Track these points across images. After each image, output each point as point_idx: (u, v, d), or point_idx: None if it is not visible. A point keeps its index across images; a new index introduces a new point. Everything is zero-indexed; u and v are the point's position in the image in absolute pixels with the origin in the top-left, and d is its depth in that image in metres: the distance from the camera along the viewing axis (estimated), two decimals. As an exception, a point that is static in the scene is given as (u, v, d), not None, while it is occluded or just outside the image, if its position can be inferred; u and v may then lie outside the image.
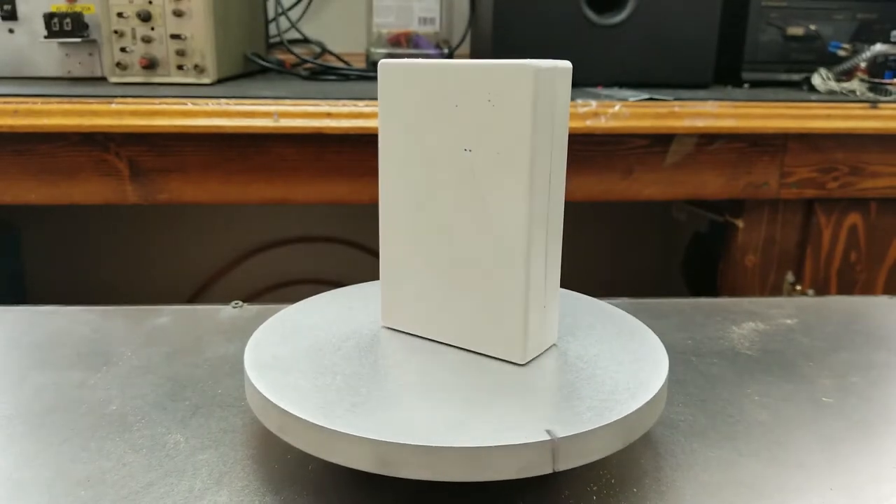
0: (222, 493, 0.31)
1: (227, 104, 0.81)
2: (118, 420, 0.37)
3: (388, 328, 0.38)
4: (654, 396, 0.32)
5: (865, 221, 0.95)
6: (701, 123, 0.85)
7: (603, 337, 0.38)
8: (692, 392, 0.41)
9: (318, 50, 1.21)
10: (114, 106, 0.80)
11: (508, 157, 0.32)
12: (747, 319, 0.51)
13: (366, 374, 0.33)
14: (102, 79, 0.97)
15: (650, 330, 0.39)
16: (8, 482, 0.32)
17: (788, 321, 0.51)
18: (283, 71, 1.08)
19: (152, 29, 0.91)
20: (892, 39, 1.01)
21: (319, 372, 0.33)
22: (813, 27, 1.03)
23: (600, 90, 0.95)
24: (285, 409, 0.30)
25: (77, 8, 0.96)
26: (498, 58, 0.32)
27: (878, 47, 0.97)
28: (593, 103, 0.83)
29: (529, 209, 0.32)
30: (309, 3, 1.31)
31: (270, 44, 1.23)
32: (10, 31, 0.97)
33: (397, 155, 0.36)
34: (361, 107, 0.81)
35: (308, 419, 0.29)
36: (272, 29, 1.22)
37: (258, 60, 1.05)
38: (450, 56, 1.16)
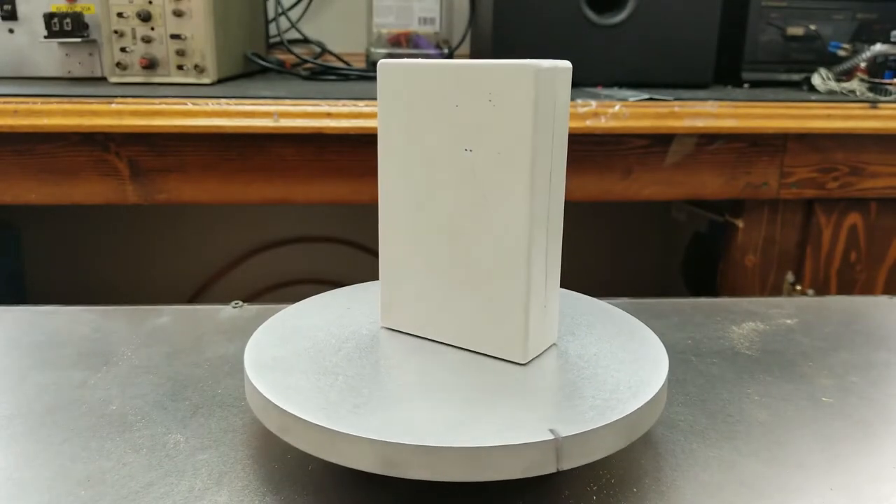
0: (222, 493, 0.31)
1: (227, 104, 0.81)
2: (118, 420, 0.37)
3: (388, 328, 0.38)
4: (656, 394, 0.32)
5: (865, 221, 0.95)
6: (701, 123, 0.85)
7: (602, 336, 0.38)
8: (692, 392, 0.41)
9: (318, 50, 1.21)
10: (114, 106, 0.80)
11: (509, 157, 0.32)
12: (747, 319, 0.51)
13: (367, 374, 0.33)
14: (102, 79, 0.97)
15: (648, 328, 0.39)
16: (8, 482, 0.32)
17: (788, 321, 0.51)
18: (283, 71, 1.08)
19: (152, 29, 0.91)
20: (892, 39, 1.01)
21: (321, 373, 0.33)
22: (813, 27, 1.04)
23: (600, 90, 0.95)
24: (288, 410, 0.30)
25: (77, 8, 0.96)
26: (498, 58, 0.32)
27: (878, 47, 0.97)
28: (593, 103, 0.83)
29: (531, 208, 0.32)
30: (309, 3, 1.31)
31: (270, 44, 1.23)
32: (10, 31, 0.97)
33: (397, 155, 0.36)
34: (361, 107, 0.81)
35: (311, 420, 0.29)
36: (272, 29, 1.22)
37: (258, 60, 1.05)
38: (450, 56, 1.16)
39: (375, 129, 0.33)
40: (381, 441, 0.28)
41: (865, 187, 0.93)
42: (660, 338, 0.37)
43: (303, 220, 1.41)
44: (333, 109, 0.81)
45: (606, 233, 1.46)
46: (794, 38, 1.04)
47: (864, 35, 1.04)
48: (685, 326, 0.49)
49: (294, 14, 1.28)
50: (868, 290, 0.97)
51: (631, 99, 0.85)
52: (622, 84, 0.99)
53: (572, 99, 0.84)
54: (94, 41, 0.98)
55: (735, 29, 1.04)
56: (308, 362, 0.34)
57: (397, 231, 0.37)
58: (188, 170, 0.85)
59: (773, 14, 1.03)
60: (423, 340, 0.37)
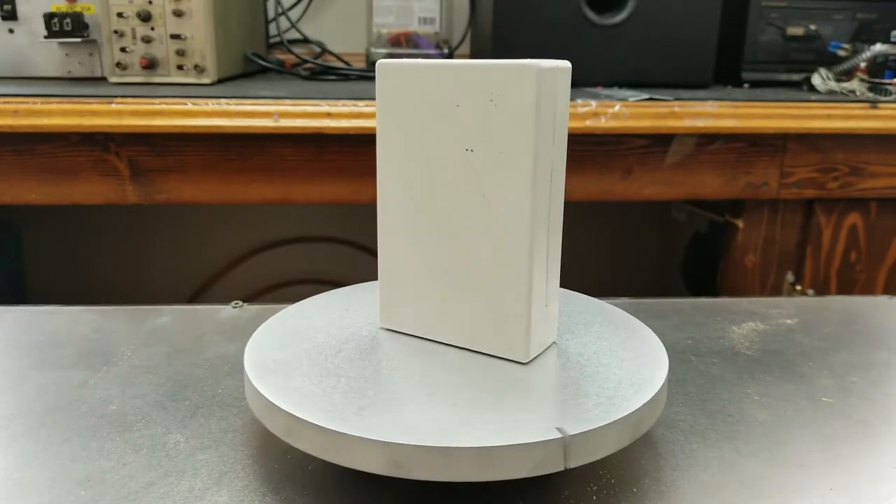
0: (222, 493, 0.31)
1: (227, 104, 0.81)
2: (118, 420, 0.37)
3: (387, 329, 0.38)
4: (659, 391, 0.32)
5: (865, 221, 0.95)
6: (701, 123, 0.85)
7: (601, 334, 0.38)
8: (692, 392, 0.41)
9: (318, 50, 1.21)
10: (114, 106, 0.80)
11: (511, 157, 0.32)
12: (747, 319, 0.51)
13: (369, 376, 0.33)
14: (102, 79, 0.97)
15: (645, 326, 0.39)
16: (8, 482, 0.32)
17: (788, 321, 0.51)
18: (283, 71, 1.08)
19: (152, 29, 0.91)
20: (892, 39, 1.01)
21: (323, 375, 0.33)
22: (813, 27, 1.04)
23: (600, 90, 0.95)
24: (293, 413, 0.30)
25: (77, 8, 0.96)
26: (498, 58, 0.32)
27: (878, 47, 0.97)
28: (593, 103, 0.83)
29: (532, 208, 0.32)
30: (309, 3, 1.31)
31: (270, 44, 1.23)
32: (10, 31, 0.97)
33: (396, 155, 0.36)
34: (361, 107, 0.81)
35: (318, 423, 0.29)
36: (272, 29, 1.22)
37: (258, 60, 1.05)
38: (450, 56, 1.16)
39: (375, 129, 0.33)
40: (389, 442, 0.28)
41: (865, 187, 0.93)
42: (660, 338, 0.37)
43: (303, 220, 1.41)
44: (333, 109, 0.81)
45: (606, 233, 1.46)
46: (794, 38, 1.04)
47: (864, 35, 1.04)
48: (685, 326, 0.49)
49: (294, 14, 1.28)
50: (868, 290, 0.97)
51: (631, 99, 0.85)
52: (622, 84, 0.99)
53: (572, 99, 0.84)
54: (94, 41, 0.98)
55: (735, 29, 1.04)
56: (309, 364, 0.34)
57: (396, 232, 0.37)
58: (188, 170, 0.85)
59: (773, 14, 1.03)
60: (422, 341, 0.37)
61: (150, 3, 0.90)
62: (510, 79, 0.31)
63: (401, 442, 0.28)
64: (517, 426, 0.29)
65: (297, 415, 0.30)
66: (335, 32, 1.32)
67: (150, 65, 0.91)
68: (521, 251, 0.33)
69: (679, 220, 1.26)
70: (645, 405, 0.31)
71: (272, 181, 0.86)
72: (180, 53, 0.91)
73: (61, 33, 0.95)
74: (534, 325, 0.34)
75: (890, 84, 0.94)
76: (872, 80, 0.96)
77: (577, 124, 0.83)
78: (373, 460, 0.28)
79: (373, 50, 1.14)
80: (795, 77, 1.05)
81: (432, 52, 1.13)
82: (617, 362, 0.35)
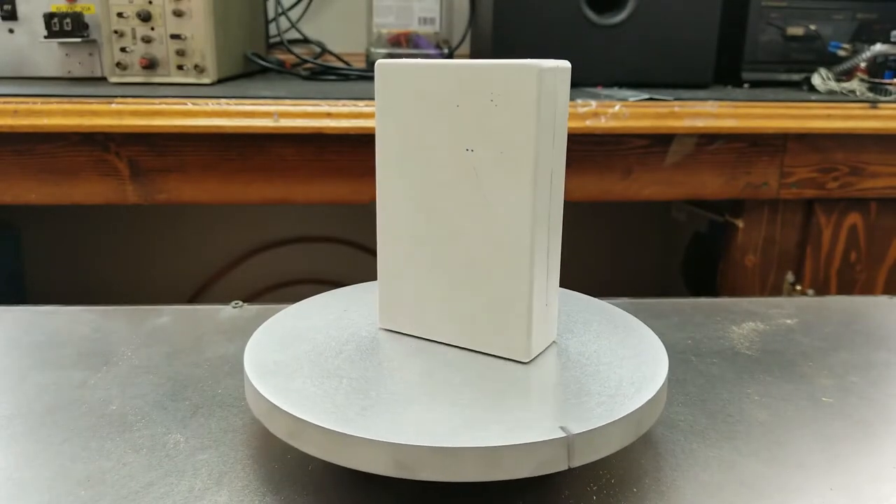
0: (222, 493, 0.31)
1: (227, 104, 0.81)
2: (118, 420, 0.37)
3: (386, 330, 0.38)
4: (660, 390, 0.32)
5: (865, 221, 0.95)
6: (701, 123, 0.85)
7: (600, 333, 0.38)
8: (692, 392, 0.41)
9: (318, 50, 1.21)
10: (114, 106, 0.80)
11: (512, 156, 0.32)
12: (747, 319, 0.51)
13: (371, 377, 0.33)
14: (102, 79, 0.97)
15: (643, 324, 0.39)
16: (8, 482, 0.32)
17: (788, 321, 0.51)
18: (283, 71, 1.08)
19: (152, 29, 0.91)
20: (892, 39, 1.01)
21: (324, 376, 0.33)
22: (813, 27, 1.04)
23: (600, 90, 0.95)
24: (296, 415, 0.30)
25: (77, 8, 0.96)
26: (498, 58, 0.32)
27: (878, 47, 0.97)
28: (593, 103, 0.83)
29: (533, 207, 0.32)
30: (309, 3, 1.31)
31: (270, 44, 1.23)
32: (10, 31, 0.97)
33: (395, 156, 0.35)
34: (361, 107, 0.81)
35: (321, 424, 0.29)
36: (272, 29, 1.22)
37: (258, 60, 1.05)
38: (450, 56, 1.16)
39: (375, 129, 0.33)
40: (395, 443, 0.28)
41: (865, 187, 0.93)
42: (660, 338, 0.37)
43: (303, 220, 1.41)
44: (333, 109, 0.81)
45: (606, 233, 1.46)
46: (794, 38, 1.04)
47: (864, 35, 1.04)
48: (685, 326, 0.49)
49: (294, 14, 1.28)
50: (868, 290, 0.97)
51: (631, 99, 0.85)
52: (622, 84, 0.99)
53: (572, 99, 0.84)
54: (94, 41, 0.98)
55: (735, 29, 1.04)
56: (310, 366, 0.34)
57: (396, 233, 0.37)
58: (188, 170, 0.85)
59: (773, 14, 1.03)
60: (422, 341, 0.37)
61: (150, 3, 0.90)
62: (511, 79, 0.31)
63: (406, 443, 0.28)
64: (521, 426, 0.29)
65: (301, 417, 0.30)
66: (335, 32, 1.32)
67: (150, 65, 0.91)
68: (522, 251, 0.33)
69: (679, 220, 1.26)
70: (647, 403, 0.31)
71: (272, 181, 0.86)
72: (180, 53, 0.91)
73: (61, 33, 0.95)
74: (535, 325, 0.34)
75: (890, 84, 0.94)
76: (872, 80, 0.96)
77: (577, 124, 0.83)
78: (378, 461, 0.28)
79: (373, 50, 1.14)
80: (795, 77, 1.05)
81: (432, 52, 1.13)
82: (617, 361, 0.35)
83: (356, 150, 0.86)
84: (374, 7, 1.12)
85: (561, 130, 0.33)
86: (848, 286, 0.97)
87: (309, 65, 1.10)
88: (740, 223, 0.94)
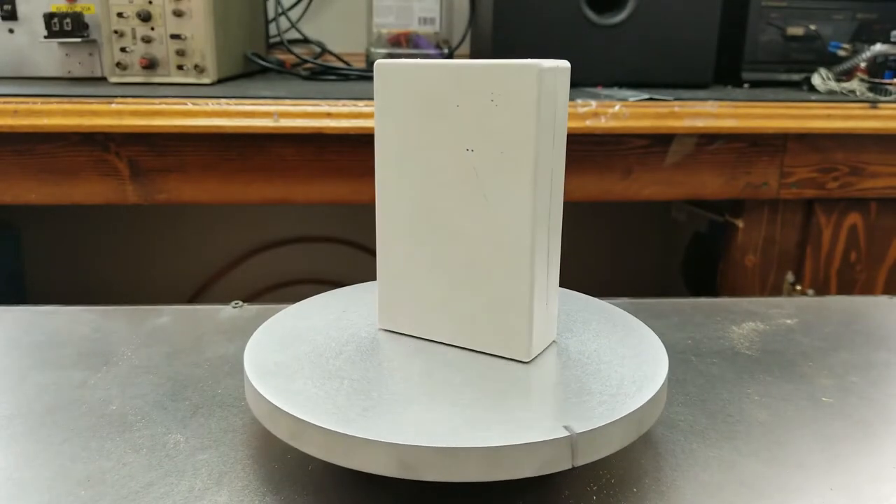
0: (222, 493, 0.31)
1: (227, 104, 0.81)
2: (118, 420, 0.37)
3: (386, 330, 0.38)
4: (661, 388, 0.32)
5: (865, 221, 0.95)
6: (701, 123, 0.85)
7: (600, 332, 0.38)
8: (692, 392, 0.41)
9: (318, 50, 1.21)
10: (114, 106, 0.80)
11: (513, 156, 0.32)
12: (747, 319, 0.51)
13: (372, 377, 0.33)
14: (102, 79, 0.97)
15: (642, 323, 0.39)
16: (8, 482, 0.32)
17: (788, 321, 0.51)
18: (283, 71, 1.08)
19: (152, 29, 0.91)
20: (892, 39, 1.01)
21: (325, 377, 0.33)
22: (813, 27, 1.04)
23: (600, 90, 0.95)
24: (298, 416, 0.30)
25: (77, 8, 0.96)
26: (498, 58, 0.32)
27: (878, 47, 0.97)
28: (593, 103, 0.83)
29: (533, 206, 0.32)
30: (309, 3, 1.31)
31: (270, 44, 1.23)
32: (10, 31, 0.97)
33: (395, 156, 0.35)
34: (361, 107, 0.81)
35: (324, 426, 0.29)
36: (272, 29, 1.22)
37: (258, 60, 1.05)
38: (450, 56, 1.16)
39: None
40: (398, 444, 0.28)
41: (865, 187, 0.93)
42: (660, 338, 0.38)
43: (303, 220, 1.41)
44: (333, 109, 0.81)
45: (606, 233, 1.46)
46: (794, 38, 1.04)
47: (864, 35, 1.04)
48: (685, 326, 0.49)
49: (294, 14, 1.28)
50: (868, 290, 0.97)
51: (631, 99, 0.85)
52: (622, 84, 0.99)
53: (572, 99, 0.84)
54: (94, 41, 0.98)
55: (735, 29, 1.04)
56: (311, 367, 0.34)
57: (395, 233, 0.37)
58: (188, 170, 0.85)
59: (773, 14, 1.03)
60: (421, 341, 0.37)
61: (150, 3, 0.90)
62: (511, 78, 0.31)
63: (410, 443, 0.28)
64: (524, 425, 0.29)
65: (303, 418, 0.29)
66: (335, 32, 1.32)
67: (150, 65, 0.91)
68: (523, 250, 0.33)
69: (679, 220, 1.26)
70: (648, 402, 0.31)
71: (272, 181, 0.86)
72: (180, 53, 0.91)
73: (61, 33, 0.95)
74: (535, 324, 0.34)
75: (890, 84, 0.94)
76: (872, 80, 0.96)
77: (577, 124, 0.83)
78: (381, 462, 0.28)
79: (373, 50, 1.14)
80: (795, 77, 1.05)
81: (432, 52, 1.13)
82: (618, 360, 0.35)
83: (356, 150, 0.86)
84: (374, 7, 1.12)
85: (561, 130, 0.33)
86: (848, 286, 0.97)
87: (309, 65, 1.10)
88: (740, 223, 0.94)
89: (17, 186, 0.84)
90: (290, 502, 0.31)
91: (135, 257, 1.40)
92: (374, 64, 0.35)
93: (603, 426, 0.29)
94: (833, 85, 0.97)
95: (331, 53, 1.21)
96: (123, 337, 0.47)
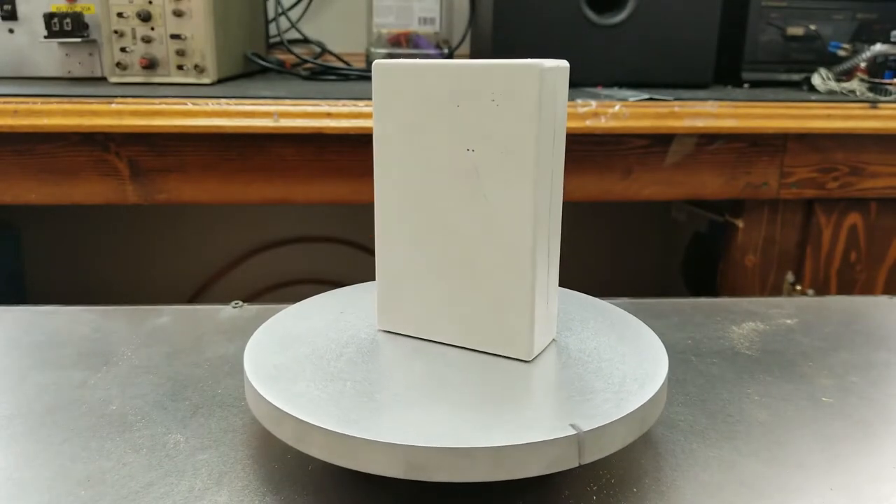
0: (222, 493, 0.31)
1: (227, 104, 0.81)
2: (118, 420, 0.37)
3: (385, 331, 0.38)
4: (663, 385, 0.33)
5: (865, 221, 0.95)
6: (701, 123, 0.85)
7: (598, 331, 0.38)
8: (692, 392, 0.41)
9: (318, 50, 1.21)
10: (114, 106, 0.80)
11: (514, 156, 0.32)
12: (747, 319, 0.51)
13: (374, 379, 0.33)
14: (102, 79, 0.97)
15: (639, 320, 0.39)
16: (8, 482, 0.32)
17: (788, 321, 0.51)
18: (283, 71, 1.08)
19: (152, 29, 0.91)
20: (892, 39, 1.01)
21: (327, 380, 0.33)
22: (813, 27, 1.04)
23: (600, 90, 0.95)
24: (304, 419, 0.29)
25: (77, 8, 0.96)
26: (498, 58, 0.32)
27: (878, 47, 0.97)
28: (593, 103, 0.83)
29: (535, 206, 0.32)
30: (309, 3, 1.31)
31: (270, 44, 1.23)
32: (10, 31, 0.97)
33: (394, 157, 0.35)
34: (361, 107, 0.81)
35: (330, 428, 0.29)
36: (272, 29, 1.22)
37: (258, 60, 1.05)
38: (450, 56, 1.16)
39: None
40: (406, 445, 0.28)
41: (865, 187, 0.93)
42: (660, 338, 0.38)
43: (303, 220, 1.41)
44: (333, 109, 0.81)
45: (606, 233, 1.46)
46: (794, 38, 1.04)
47: (864, 35, 1.04)
48: (685, 326, 0.49)
49: (294, 14, 1.28)
50: (868, 290, 0.97)
51: (631, 99, 0.85)
52: (622, 84, 0.99)
53: (572, 99, 0.84)
54: (94, 41, 0.98)
55: (735, 29, 1.04)
56: (312, 369, 0.34)
57: (395, 234, 0.37)
58: (188, 170, 0.85)
59: (773, 14, 1.03)
60: (421, 342, 0.37)
61: (150, 3, 0.90)
62: (512, 78, 0.31)
63: (418, 444, 0.28)
64: (530, 424, 0.29)
65: (309, 421, 0.29)
66: (335, 32, 1.32)
67: (150, 65, 0.91)
68: (525, 249, 0.33)
69: (679, 220, 1.26)
70: (652, 399, 0.31)
71: (272, 181, 0.86)
72: (180, 53, 0.91)
73: (61, 33, 0.95)
74: (536, 323, 0.34)
75: (890, 84, 0.94)
76: (872, 80, 0.96)
77: (577, 124, 0.83)
78: (389, 464, 0.28)
79: (373, 50, 1.14)
80: (795, 77, 1.05)
81: (432, 52, 1.13)
82: (618, 358, 0.35)
83: (356, 150, 0.86)
84: (374, 7, 1.12)
85: (560, 130, 0.33)
86: (848, 286, 0.97)
87: (309, 65, 1.10)
88: (740, 223, 0.94)
89: (17, 186, 0.84)
90: (290, 502, 0.31)
91: (135, 257, 1.40)
92: (373, 64, 0.35)
93: (609, 424, 0.29)
94: (833, 85, 0.97)
95: (331, 53, 1.21)
96: (123, 337, 0.47)
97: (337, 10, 1.34)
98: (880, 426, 0.37)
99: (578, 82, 0.98)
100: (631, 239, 1.47)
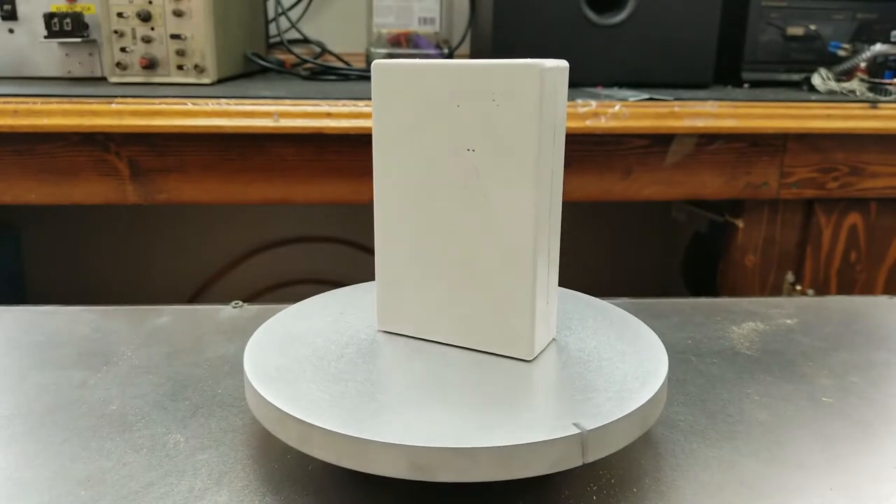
0: (222, 493, 0.31)
1: (227, 104, 0.81)
2: (118, 420, 0.37)
3: (385, 332, 0.38)
4: (663, 384, 0.33)
5: (865, 221, 0.95)
6: (701, 123, 0.85)
7: (597, 329, 0.38)
8: (692, 392, 0.41)
9: (318, 50, 1.21)
10: (114, 106, 0.80)
11: (515, 155, 0.32)
12: (747, 319, 0.51)
13: (376, 379, 0.33)
14: (102, 79, 0.97)
15: (637, 318, 0.39)
16: (8, 482, 0.32)
17: (788, 321, 0.51)
18: (283, 71, 1.08)
19: (152, 29, 0.91)
20: (892, 39, 1.01)
21: (329, 381, 0.33)
22: (813, 27, 1.03)
23: (600, 90, 0.95)
24: (308, 421, 0.29)
25: (77, 8, 0.96)
26: (498, 58, 0.32)
27: (878, 47, 0.97)
28: (593, 103, 0.83)
29: (536, 205, 0.32)
30: (309, 3, 1.31)
31: (270, 44, 1.23)
32: (10, 31, 0.97)
33: (394, 157, 0.35)
34: (361, 107, 0.81)
35: (335, 430, 0.29)
36: (272, 29, 1.22)
37: (258, 60, 1.05)
38: (450, 56, 1.16)
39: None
40: (411, 446, 0.28)
41: (865, 187, 0.93)
42: (660, 338, 0.38)
43: (303, 220, 1.41)
44: (333, 109, 0.81)
45: (606, 233, 1.46)
46: (794, 38, 1.04)
47: (864, 35, 1.04)
48: (685, 326, 0.49)
49: (294, 14, 1.28)
50: (868, 290, 0.97)
51: (631, 99, 0.85)
52: (622, 84, 0.99)
53: (572, 99, 0.84)
54: (94, 41, 0.98)
55: (735, 29, 1.04)
56: (313, 370, 0.34)
57: (394, 235, 0.36)
58: (188, 170, 0.85)
59: (773, 14, 1.03)
60: (421, 342, 0.37)
61: (150, 3, 0.90)
62: (513, 78, 0.31)
63: (423, 445, 0.28)
64: (534, 424, 0.29)
65: (313, 423, 0.29)
66: (335, 32, 1.32)
67: (150, 65, 0.91)
68: (526, 249, 0.33)
69: (679, 220, 1.26)
70: (654, 397, 0.31)
71: (272, 181, 0.86)
72: (180, 53, 0.91)
73: (61, 33, 0.95)
74: (537, 323, 0.34)
75: (890, 84, 0.94)
76: (872, 80, 0.96)
77: (577, 124, 0.83)
78: (395, 465, 0.28)
79: (373, 50, 1.14)
80: (795, 77, 1.05)
81: (432, 52, 1.13)
82: (618, 356, 0.35)
83: (356, 150, 0.86)
84: (374, 7, 1.12)
85: (560, 129, 0.33)
86: (848, 286, 0.97)
87: (309, 65, 1.10)
88: (740, 223, 0.94)
89: (17, 186, 0.84)
90: (290, 502, 0.31)
91: (135, 257, 1.40)
92: (372, 65, 0.35)
93: (612, 422, 0.29)
94: (833, 85, 0.97)
95: (331, 53, 1.21)
96: (123, 337, 0.47)
97: (337, 10, 1.34)
98: (880, 426, 0.37)
99: (578, 82, 0.98)
100: (631, 239, 1.47)
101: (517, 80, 0.31)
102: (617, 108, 0.84)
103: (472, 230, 0.34)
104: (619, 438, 0.30)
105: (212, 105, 0.80)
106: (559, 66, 0.32)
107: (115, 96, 0.80)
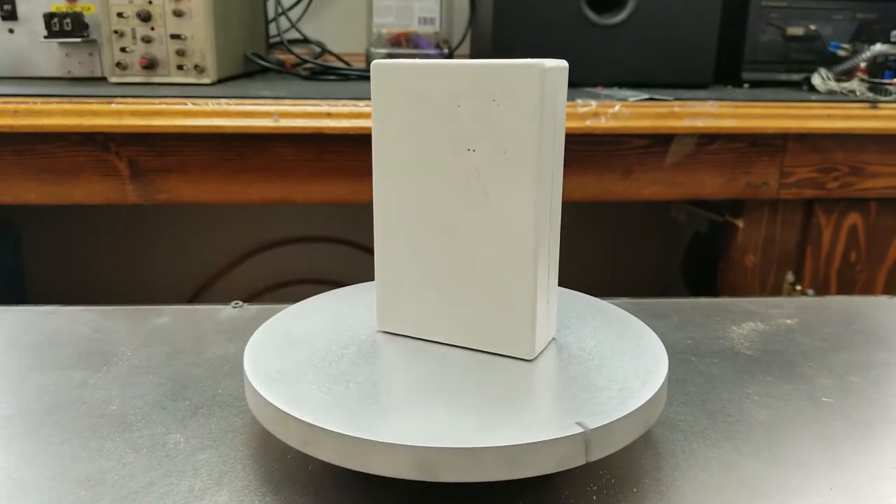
0: (222, 493, 0.31)
1: (227, 104, 0.81)
2: (118, 420, 0.37)
3: (385, 332, 0.38)
4: (664, 383, 0.33)
5: (865, 221, 0.95)
6: (701, 123, 0.85)
7: (596, 328, 0.38)
8: (692, 392, 0.41)
9: (318, 50, 1.21)
10: (114, 106, 0.80)
11: (515, 155, 0.32)
12: (747, 319, 0.51)
13: (378, 380, 0.33)
14: (102, 79, 0.97)
15: (635, 317, 0.39)
16: (8, 482, 0.32)
17: (788, 321, 0.51)
18: (283, 71, 1.08)
19: (152, 29, 0.91)
20: (892, 39, 1.01)
21: (331, 382, 0.33)
22: (813, 27, 1.03)
23: (600, 90, 0.95)
24: (311, 422, 0.29)
25: (77, 8, 0.96)
26: (498, 58, 0.32)
27: (878, 47, 0.97)
28: (593, 103, 0.83)
29: (536, 205, 0.32)
30: (309, 3, 1.31)
31: (270, 44, 1.23)
32: (10, 31, 0.97)
33: (393, 158, 0.35)
34: (361, 107, 0.81)
35: (339, 431, 0.29)
36: (272, 29, 1.22)
37: (258, 60, 1.05)
38: (450, 56, 1.16)
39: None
40: (416, 446, 0.28)
41: (865, 187, 0.93)
42: (660, 338, 0.38)
43: (303, 220, 1.41)
44: (333, 109, 0.81)
45: (606, 233, 1.46)
46: (794, 38, 1.04)
47: (864, 35, 1.04)
48: (685, 326, 0.49)
49: (294, 14, 1.28)
50: (868, 290, 0.97)
51: (631, 99, 0.85)
52: (622, 84, 0.99)
53: (572, 99, 0.84)
54: (94, 41, 0.98)
55: (735, 29, 1.04)
56: (314, 371, 0.34)
57: (394, 235, 0.36)
58: (188, 170, 0.85)
59: (773, 14, 1.03)
60: (421, 342, 0.37)
61: (150, 3, 0.90)
62: (514, 78, 0.31)
63: (427, 445, 0.28)
64: (537, 423, 0.29)
65: (317, 424, 0.29)
66: (335, 32, 1.32)
67: (150, 65, 0.91)
68: (526, 249, 0.33)
69: (679, 220, 1.26)
70: (655, 395, 0.31)
71: (272, 181, 0.86)
72: (180, 53, 0.91)
73: (61, 33, 0.95)
74: (538, 322, 0.34)
75: (890, 84, 0.94)
76: (872, 80, 0.96)
77: (577, 124, 0.83)
78: (400, 465, 0.28)
79: (373, 50, 1.14)
80: (795, 77, 1.05)
81: (432, 52, 1.13)
82: (618, 355, 0.35)
83: (356, 150, 0.86)
84: (374, 7, 1.12)
85: (560, 129, 0.33)
86: (848, 286, 0.97)
87: (309, 65, 1.10)
88: (740, 223, 0.94)
89: (17, 186, 0.84)
90: (290, 502, 0.31)
91: (135, 257, 1.40)
92: (372, 65, 0.35)
93: (615, 421, 0.29)
94: (833, 85, 0.97)
95: (331, 53, 1.21)
96: (123, 337, 0.47)
97: (337, 10, 1.34)
98: (880, 426, 0.37)
99: (578, 82, 0.98)
100: (631, 239, 1.47)
101: (517, 80, 0.31)
102: (617, 108, 0.84)
103: (473, 230, 0.34)
104: (622, 437, 0.30)
105: (212, 105, 0.80)
106: (559, 66, 0.32)
107: (115, 96, 0.80)
